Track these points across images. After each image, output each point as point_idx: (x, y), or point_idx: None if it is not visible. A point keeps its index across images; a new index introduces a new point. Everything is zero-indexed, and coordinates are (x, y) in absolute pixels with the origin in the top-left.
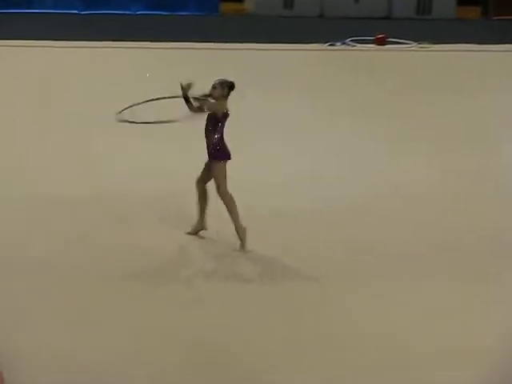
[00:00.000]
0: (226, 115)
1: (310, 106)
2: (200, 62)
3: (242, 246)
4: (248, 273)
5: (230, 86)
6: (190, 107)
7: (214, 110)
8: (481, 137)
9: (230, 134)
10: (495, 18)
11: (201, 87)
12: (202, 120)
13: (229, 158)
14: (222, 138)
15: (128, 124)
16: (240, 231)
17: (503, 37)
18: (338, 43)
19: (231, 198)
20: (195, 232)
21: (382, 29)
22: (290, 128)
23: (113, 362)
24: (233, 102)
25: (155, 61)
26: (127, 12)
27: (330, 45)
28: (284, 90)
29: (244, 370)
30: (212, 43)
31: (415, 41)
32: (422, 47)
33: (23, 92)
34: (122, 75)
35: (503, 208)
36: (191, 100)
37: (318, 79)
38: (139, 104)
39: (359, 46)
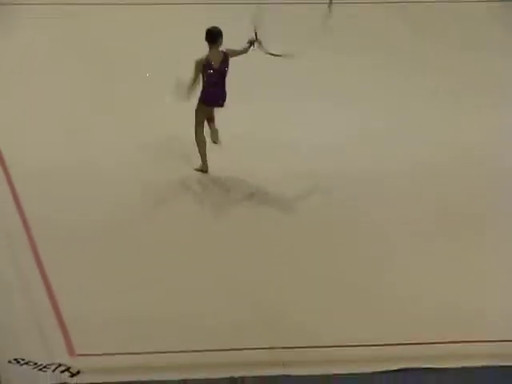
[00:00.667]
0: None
1: (364, 64)
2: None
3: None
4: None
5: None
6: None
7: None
8: None
9: (286, 96)
10: None
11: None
12: None
13: None
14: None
15: None
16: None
17: None
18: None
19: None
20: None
21: None
22: (346, 87)
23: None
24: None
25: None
26: None
27: None
28: (336, 48)
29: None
30: None
31: None
32: None
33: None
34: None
35: None
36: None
37: (373, 34)
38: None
39: None
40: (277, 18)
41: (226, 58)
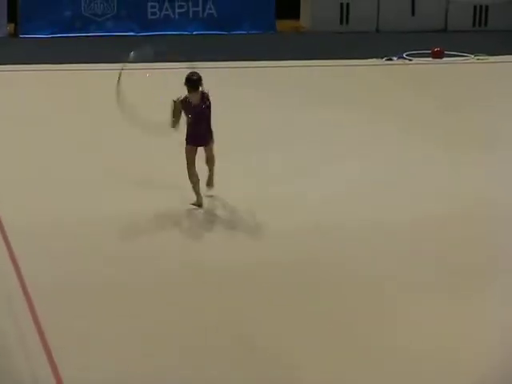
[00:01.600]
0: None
1: (369, 121)
2: (258, 79)
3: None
4: None
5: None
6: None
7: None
8: None
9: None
10: None
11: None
12: None
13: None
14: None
15: None
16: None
17: None
18: (395, 57)
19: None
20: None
21: (438, 42)
22: (351, 142)
23: None
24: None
25: (213, 80)
26: (184, 32)
27: (387, 59)
28: (342, 106)
29: None
30: (269, 61)
31: (472, 53)
32: (479, 59)
33: (82, 116)
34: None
35: None
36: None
37: (375, 94)
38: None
39: (416, 59)
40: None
41: (204, 96)
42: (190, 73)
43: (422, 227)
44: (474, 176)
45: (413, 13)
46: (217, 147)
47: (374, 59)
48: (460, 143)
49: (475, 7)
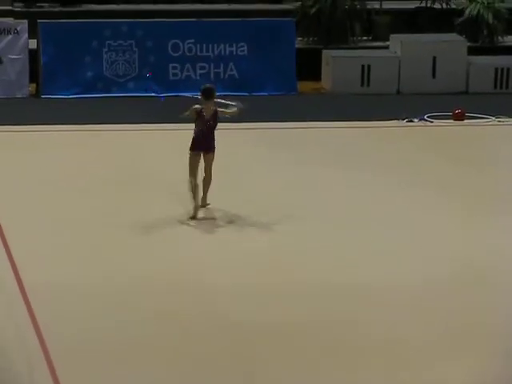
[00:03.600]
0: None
1: (389, 183)
2: (280, 140)
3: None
4: None
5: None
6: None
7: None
8: None
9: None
10: None
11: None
12: None
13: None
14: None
15: None
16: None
17: None
18: (416, 119)
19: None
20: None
21: (459, 104)
22: (369, 207)
23: None
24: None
25: (234, 141)
26: None
27: (408, 121)
28: (363, 168)
29: None
30: (291, 122)
31: (493, 115)
32: (500, 121)
33: (102, 177)
34: None
35: None
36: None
37: (396, 156)
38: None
39: (437, 121)
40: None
41: (215, 113)
42: (205, 85)
43: (431, 289)
44: (494, 240)
45: (434, 75)
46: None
47: (395, 121)
48: (482, 206)
49: (496, 69)
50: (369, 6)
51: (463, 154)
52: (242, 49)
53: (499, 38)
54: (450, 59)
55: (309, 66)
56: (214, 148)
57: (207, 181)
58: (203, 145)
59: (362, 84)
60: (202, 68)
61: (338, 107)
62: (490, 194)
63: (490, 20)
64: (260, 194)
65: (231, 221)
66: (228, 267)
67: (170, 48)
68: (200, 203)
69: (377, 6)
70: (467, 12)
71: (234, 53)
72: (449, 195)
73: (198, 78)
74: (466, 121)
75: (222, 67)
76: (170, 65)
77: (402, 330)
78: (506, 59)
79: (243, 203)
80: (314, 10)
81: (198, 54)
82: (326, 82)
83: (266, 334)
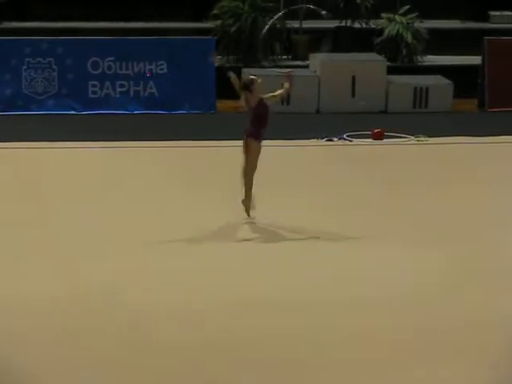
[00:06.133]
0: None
1: (307, 203)
2: (198, 159)
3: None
4: None
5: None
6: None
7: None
8: (480, 229)
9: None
10: (491, 110)
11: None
12: None
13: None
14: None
15: None
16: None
17: (499, 128)
18: (336, 138)
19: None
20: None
21: (378, 123)
22: (292, 226)
23: None
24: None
25: (154, 159)
26: (124, 112)
27: (327, 140)
28: (281, 186)
29: None
30: (209, 141)
31: (412, 134)
32: (419, 140)
33: (22, 194)
34: (122, 175)
35: None
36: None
37: (315, 175)
38: None
39: (356, 140)
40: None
41: (261, 101)
42: (246, 78)
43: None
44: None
45: (353, 94)
46: None
47: (314, 140)
48: (393, 223)
49: (415, 89)
50: (289, 25)
51: (380, 172)
52: (161, 67)
53: (418, 57)
54: (370, 79)
55: (228, 85)
56: (256, 137)
57: (244, 172)
58: (247, 129)
59: (282, 103)
60: (122, 86)
61: None
62: (408, 212)
63: (410, 40)
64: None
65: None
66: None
67: (89, 66)
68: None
69: (297, 25)
70: (386, 32)
71: (154, 71)
72: (362, 214)
73: (118, 95)
74: (385, 140)
75: (141, 85)
76: (90, 82)
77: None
78: (425, 79)
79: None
80: (234, 28)
81: (118, 71)
82: None
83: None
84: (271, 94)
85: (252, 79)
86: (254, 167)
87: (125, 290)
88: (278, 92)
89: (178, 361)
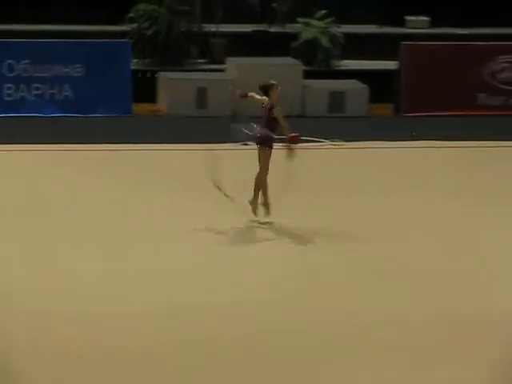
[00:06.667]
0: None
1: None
2: (112, 163)
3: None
4: None
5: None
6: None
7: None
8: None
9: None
10: (406, 114)
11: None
12: None
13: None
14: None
15: None
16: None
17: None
18: (251, 142)
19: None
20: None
21: (294, 127)
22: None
23: None
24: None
25: (70, 162)
26: (40, 114)
27: (243, 144)
28: (196, 189)
29: None
30: (125, 144)
31: (328, 138)
32: (334, 144)
33: None
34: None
35: None
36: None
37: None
38: None
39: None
40: None
41: (271, 107)
42: (264, 81)
43: None
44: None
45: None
46: None
47: (231, 143)
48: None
49: (331, 93)
50: (205, 29)
51: (296, 176)
52: (77, 70)
53: (335, 62)
54: (286, 83)
55: (145, 88)
56: (266, 145)
57: (259, 179)
58: (258, 137)
59: (199, 106)
60: (37, 89)
61: (174, 130)
62: (320, 215)
63: (326, 44)
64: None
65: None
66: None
67: (4, 68)
68: (258, 202)
69: (213, 28)
70: (303, 36)
71: (70, 74)
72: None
73: (33, 98)
74: (301, 144)
75: (57, 88)
76: (5, 85)
77: None
78: (341, 83)
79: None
80: (150, 31)
81: (33, 74)
82: (162, 104)
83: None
84: (282, 118)
85: (272, 84)
86: (266, 170)
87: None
88: (285, 125)
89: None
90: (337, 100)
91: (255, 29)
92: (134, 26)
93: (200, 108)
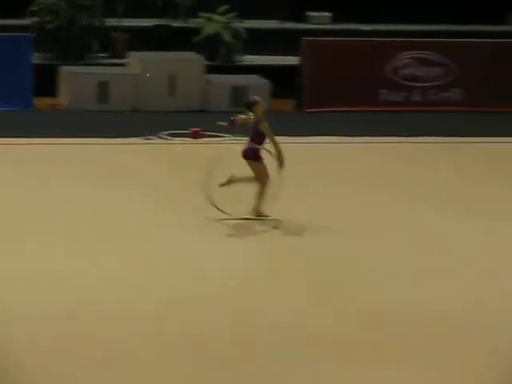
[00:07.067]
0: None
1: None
2: (15, 158)
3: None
4: None
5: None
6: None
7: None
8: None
9: None
10: (308, 110)
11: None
12: None
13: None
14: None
15: None
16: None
17: (315, 129)
18: (154, 137)
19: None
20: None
21: (197, 122)
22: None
23: None
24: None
25: None
26: None
27: (146, 138)
28: (104, 183)
29: None
30: (26, 138)
31: (231, 133)
32: (236, 139)
33: None
34: None
35: None
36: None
37: (134, 172)
38: None
39: (175, 139)
40: None
41: (257, 123)
42: (251, 98)
43: None
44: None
45: (172, 93)
46: None
47: (133, 138)
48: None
49: (233, 88)
50: (107, 23)
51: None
52: None
53: (237, 57)
54: (188, 77)
55: (46, 82)
56: (252, 158)
57: (258, 184)
58: (244, 150)
59: (100, 101)
60: None
61: (75, 124)
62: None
63: (228, 39)
64: None
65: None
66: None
67: None
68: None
69: (115, 23)
70: (205, 31)
71: None
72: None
73: None
74: (203, 139)
75: None
76: None
77: None
78: (244, 78)
79: None
80: (51, 25)
81: None
82: (63, 98)
83: None
84: (269, 133)
85: (256, 100)
86: (266, 177)
87: None
88: (273, 139)
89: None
90: (239, 95)
91: (157, 23)
92: (36, 19)
93: (101, 102)
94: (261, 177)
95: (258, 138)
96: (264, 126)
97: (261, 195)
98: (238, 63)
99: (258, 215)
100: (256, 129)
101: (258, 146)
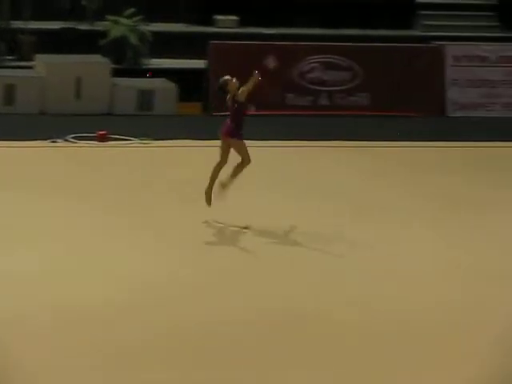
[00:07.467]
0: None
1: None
2: None
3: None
4: None
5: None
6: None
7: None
8: None
9: None
10: (215, 114)
11: None
12: None
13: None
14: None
15: None
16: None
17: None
18: (60, 140)
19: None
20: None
21: (103, 125)
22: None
23: None
24: None
25: None
26: None
27: (52, 141)
28: (15, 189)
29: None
30: None
31: (136, 136)
32: (142, 143)
33: None
34: None
35: None
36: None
37: (42, 177)
38: None
39: (81, 142)
40: None
41: (235, 99)
42: (221, 79)
43: None
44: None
45: (78, 96)
46: None
47: (39, 141)
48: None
49: (140, 91)
50: (14, 26)
51: (106, 174)
52: None
53: (144, 60)
54: (95, 81)
55: None
56: (232, 135)
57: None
58: (224, 129)
59: (6, 103)
60: None
61: None
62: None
63: (134, 42)
64: None
65: None
66: None
67: None
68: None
69: (22, 25)
70: (111, 34)
71: None
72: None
73: None
74: (109, 142)
75: None
76: None
77: None
78: (150, 82)
79: None
80: None
81: None
82: None
83: None
84: (242, 89)
85: (226, 80)
86: (247, 156)
87: None
88: (247, 84)
89: None
90: (145, 98)
91: (64, 26)
92: None
93: (7, 105)
94: (242, 155)
95: (236, 116)
96: (242, 92)
97: (235, 172)
98: (145, 67)
99: (223, 187)
100: (234, 108)
101: (236, 127)
